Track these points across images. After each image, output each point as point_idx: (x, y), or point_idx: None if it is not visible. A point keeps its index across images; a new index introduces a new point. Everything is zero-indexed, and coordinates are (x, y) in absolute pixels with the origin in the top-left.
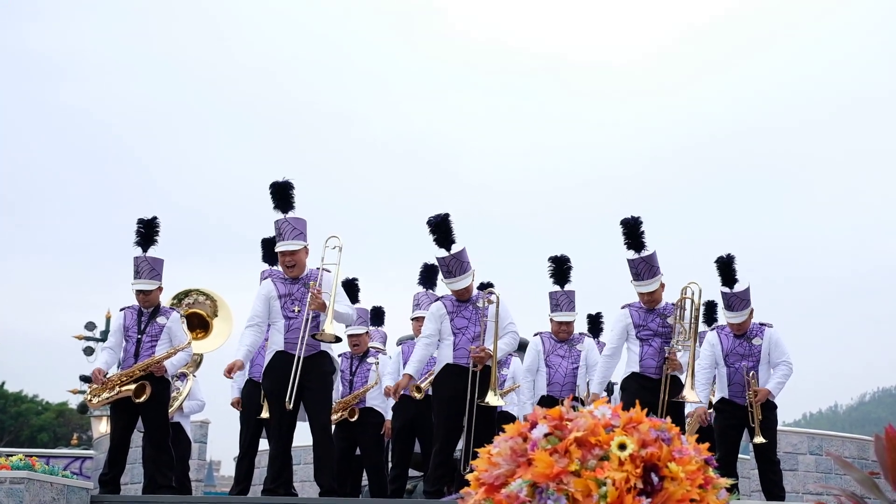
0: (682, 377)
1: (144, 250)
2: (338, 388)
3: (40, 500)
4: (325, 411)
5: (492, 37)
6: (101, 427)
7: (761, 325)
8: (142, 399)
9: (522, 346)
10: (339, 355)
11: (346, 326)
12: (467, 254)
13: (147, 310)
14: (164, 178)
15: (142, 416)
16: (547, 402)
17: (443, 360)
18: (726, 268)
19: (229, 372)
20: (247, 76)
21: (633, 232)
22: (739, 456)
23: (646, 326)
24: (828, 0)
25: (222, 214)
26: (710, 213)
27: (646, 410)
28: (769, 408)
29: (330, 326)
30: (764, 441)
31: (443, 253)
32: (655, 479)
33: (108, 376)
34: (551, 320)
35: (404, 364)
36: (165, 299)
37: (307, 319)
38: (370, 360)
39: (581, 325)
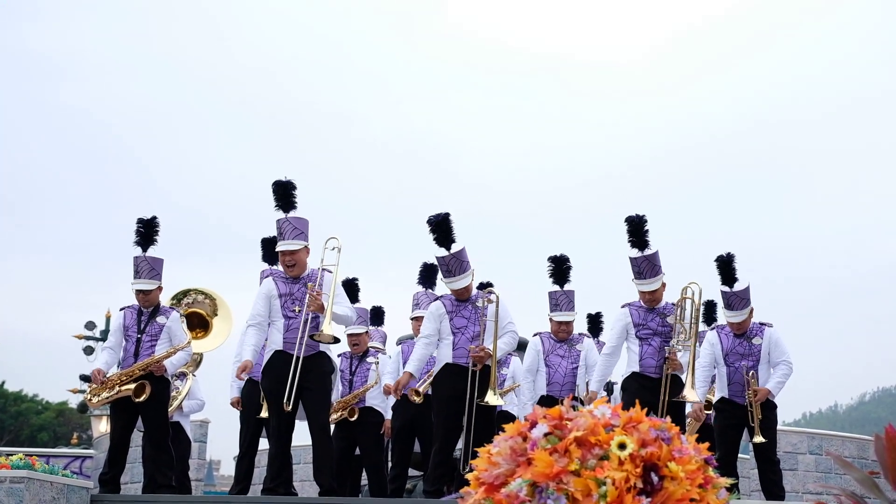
0: (683, 377)
1: (144, 250)
2: (337, 388)
3: (40, 500)
4: (324, 411)
5: (492, 37)
6: (101, 426)
7: (761, 324)
8: (141, 398)
9: (522, 346)
10: (339, 355)
11: (346, 327)
12: (467, 253)
13: (147, 309)
14: (164, 178)
15: (141, 416)
16: (547, 401)
17: (442, 359)
18: (726, 267)
19: (241, 373)
20: (247, 76)
21: (637, 230)
22: (739, 455)
23: (645, 325)
24: (828, 0)
25: (222, 214)
26: (710, 212)
27: (646, 410)
28: (769, 407)
29: (328, 327)
30: (764, 440)
31: (442, 252)
32: (655, 478)
33: (107, 376)
34: (551, 320)
35: (404, 364)
36: (165, 299)
37: (306, 320)
38: (370, 359)
39: (581, 325)
